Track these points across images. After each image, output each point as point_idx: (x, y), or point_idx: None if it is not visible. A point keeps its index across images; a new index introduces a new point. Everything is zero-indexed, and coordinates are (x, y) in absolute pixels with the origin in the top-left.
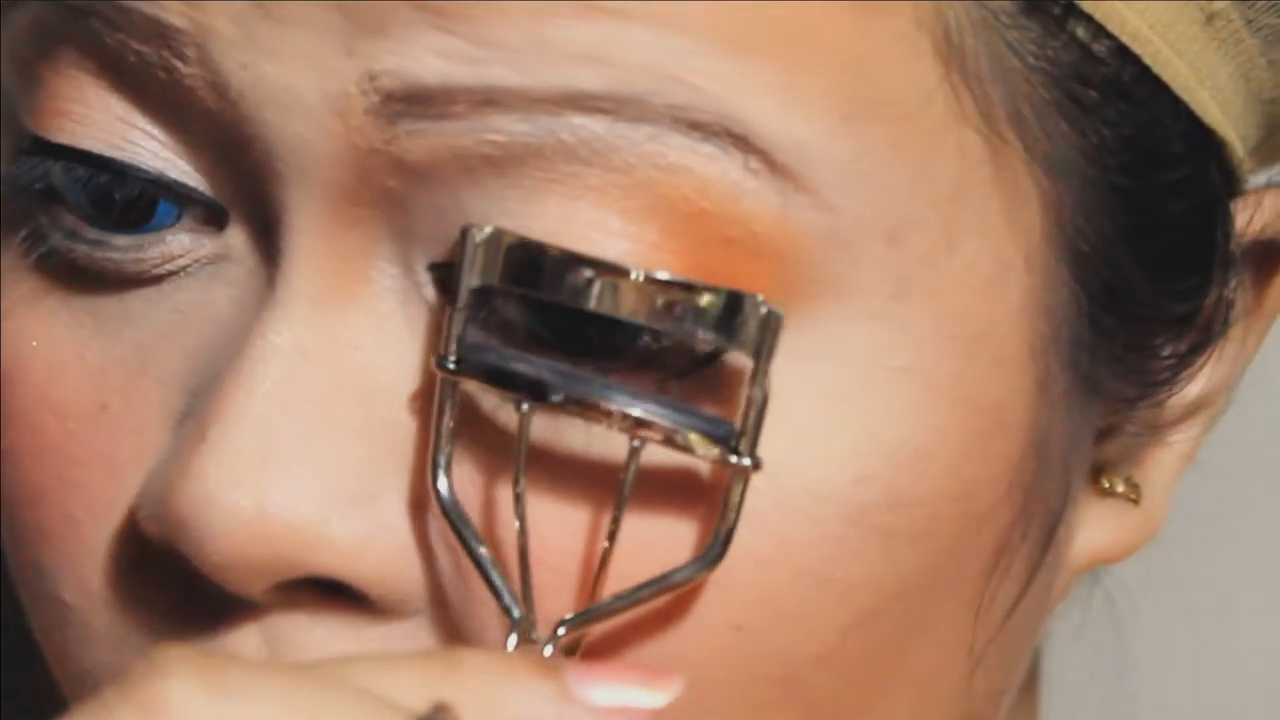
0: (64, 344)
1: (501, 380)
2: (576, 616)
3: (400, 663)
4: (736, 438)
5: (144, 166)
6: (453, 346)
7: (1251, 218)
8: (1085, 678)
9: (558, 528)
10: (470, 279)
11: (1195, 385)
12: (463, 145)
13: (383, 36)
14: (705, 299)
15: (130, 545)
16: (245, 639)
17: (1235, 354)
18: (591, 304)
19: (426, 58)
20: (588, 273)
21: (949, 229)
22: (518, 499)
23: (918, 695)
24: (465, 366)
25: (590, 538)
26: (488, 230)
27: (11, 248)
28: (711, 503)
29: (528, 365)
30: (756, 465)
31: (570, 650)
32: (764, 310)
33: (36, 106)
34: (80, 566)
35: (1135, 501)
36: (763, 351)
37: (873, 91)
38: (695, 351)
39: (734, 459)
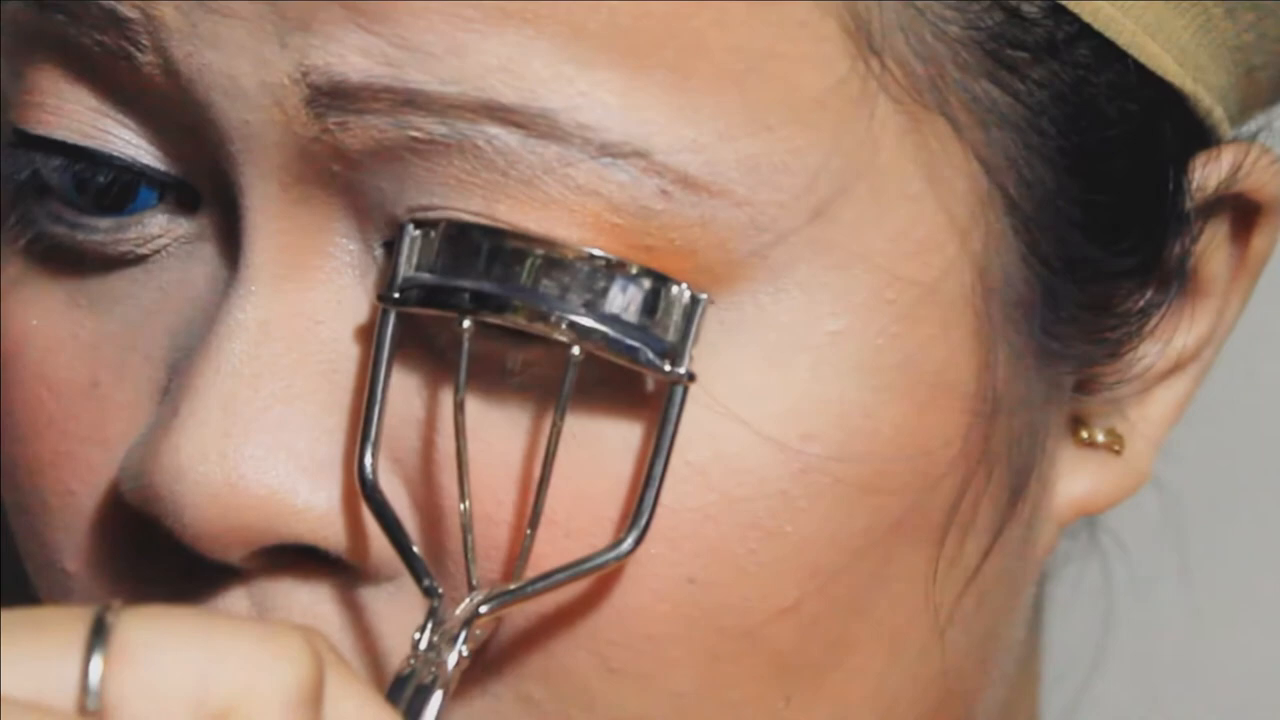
0: (59, 322)
1: (442, 298)
2: (494, 597)
3: None
4: (673, 352)
5: (116, 154)
6: (398, 282)
7: (1208, 172)
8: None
9: (502, 442)
10: (407, 270)
11: (1177, 339)
12: (387, 137)
13: (310, 33)
14: (631, 274)
15: (125, 515)
16: (235, 602)
17: (1218, 308)
18: (524, 279)
19: (350, 55)
20: (518, 245)
21: (876, 198)
22: (459, 407)
23: (890, 648)
24: (406, 296)
25: (532, 453)
26: (420, 229)
27: (5, 233)
28: (649, 433)
29: (469, 280)
30: (692, 377)
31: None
32: (687, 296)
33: (18, 100)
34: (79, 536)
35: (1118, 452)
36: (688, 334)
37: (777, 83)
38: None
39: (669, 368)
